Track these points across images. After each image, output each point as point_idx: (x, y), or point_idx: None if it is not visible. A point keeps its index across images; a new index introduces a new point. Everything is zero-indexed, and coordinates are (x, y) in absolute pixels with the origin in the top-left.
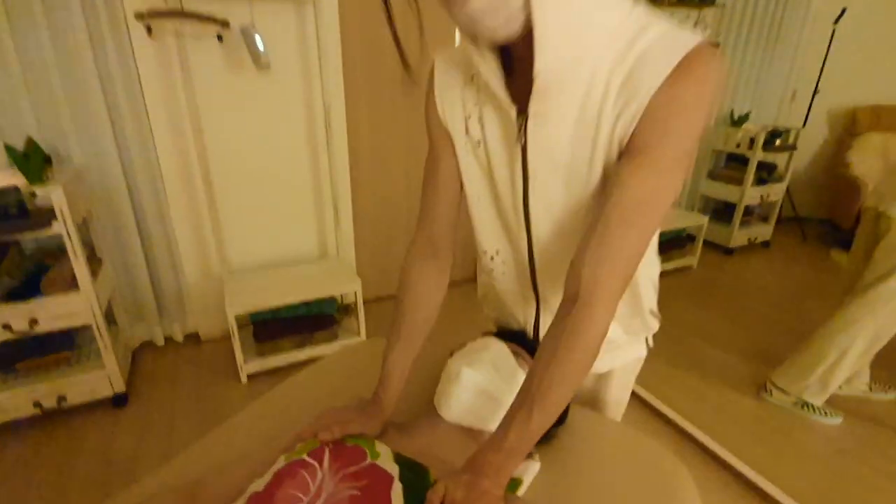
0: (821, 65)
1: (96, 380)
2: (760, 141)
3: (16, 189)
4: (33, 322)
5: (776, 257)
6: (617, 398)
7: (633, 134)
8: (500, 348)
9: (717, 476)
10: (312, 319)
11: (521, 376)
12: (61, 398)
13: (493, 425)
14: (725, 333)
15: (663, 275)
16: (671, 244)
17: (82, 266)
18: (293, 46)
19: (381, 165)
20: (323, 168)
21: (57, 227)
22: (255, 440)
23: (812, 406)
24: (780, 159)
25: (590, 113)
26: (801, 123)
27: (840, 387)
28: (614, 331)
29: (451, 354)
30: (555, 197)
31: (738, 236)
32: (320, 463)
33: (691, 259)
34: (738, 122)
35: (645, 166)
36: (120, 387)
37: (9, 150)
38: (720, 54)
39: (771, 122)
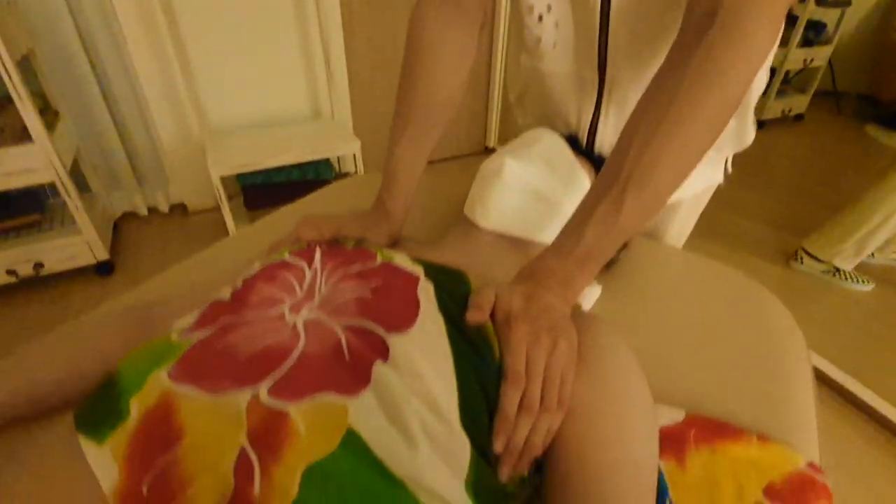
0: None
1: (75, 246)
2: None
3: None
4: None
5: (809, 131)
6: (678, 233)
7: None
8: (554, 141)
9: None
10: (307, 185)
11: (583, 178)
12: (38, 265)
13: (546, 236)
14: (753, 204)
15: None
16: None
17: (30, 110)
18: None
19: (380, 5)
20: (309, 8)
21: None
22: (234, 266)
23: (843, 272)
24: (829, 17)
25: None
26: None
27: (872, 254)
28: None
29: None
30: None
31: (773, 107)
32: (309, 263)
33: None
34: None
35: None
36: (102, 254)
37: None
38: None
39: None
